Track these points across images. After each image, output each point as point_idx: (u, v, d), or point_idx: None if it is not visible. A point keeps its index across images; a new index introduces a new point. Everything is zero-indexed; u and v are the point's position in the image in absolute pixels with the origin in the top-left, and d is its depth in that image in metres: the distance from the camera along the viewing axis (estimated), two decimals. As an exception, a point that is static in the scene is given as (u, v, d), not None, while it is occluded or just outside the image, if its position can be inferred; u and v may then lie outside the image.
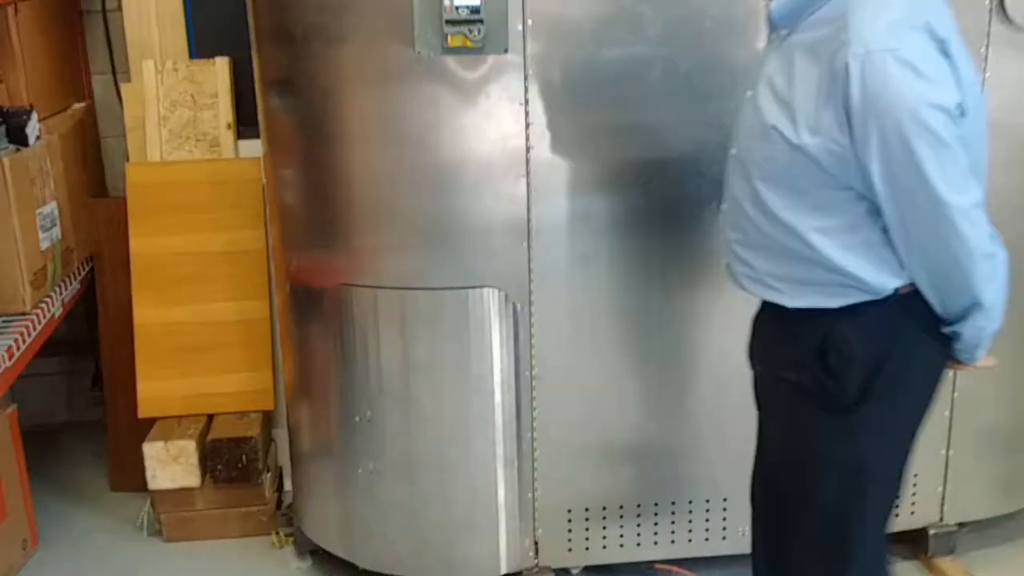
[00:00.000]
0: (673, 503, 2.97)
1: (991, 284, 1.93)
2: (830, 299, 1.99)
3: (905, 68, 1.78)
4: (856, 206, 1.92)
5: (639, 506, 2.96)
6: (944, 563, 3.10)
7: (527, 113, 2.62)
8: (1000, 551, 3.19)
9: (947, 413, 2.98)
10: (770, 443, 2.27)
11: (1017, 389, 3.06)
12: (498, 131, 2.63)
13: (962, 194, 1.84)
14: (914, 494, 3.05)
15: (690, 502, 2.97)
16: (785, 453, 2.22)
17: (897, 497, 2.21)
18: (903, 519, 3.07)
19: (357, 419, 2.87)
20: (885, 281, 1.96)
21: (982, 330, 1.98)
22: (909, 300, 1.98)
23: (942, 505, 3.09)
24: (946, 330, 2.00)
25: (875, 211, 1.91)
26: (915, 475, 3.02)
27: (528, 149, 2.65)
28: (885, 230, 1.93)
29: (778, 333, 2.14)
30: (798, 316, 2.04)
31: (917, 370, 2.05)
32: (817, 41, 1.88)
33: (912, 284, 1.97)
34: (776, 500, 2.26)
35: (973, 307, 1.94)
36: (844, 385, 2.01)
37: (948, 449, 3.02)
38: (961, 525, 3.13)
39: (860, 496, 2.10)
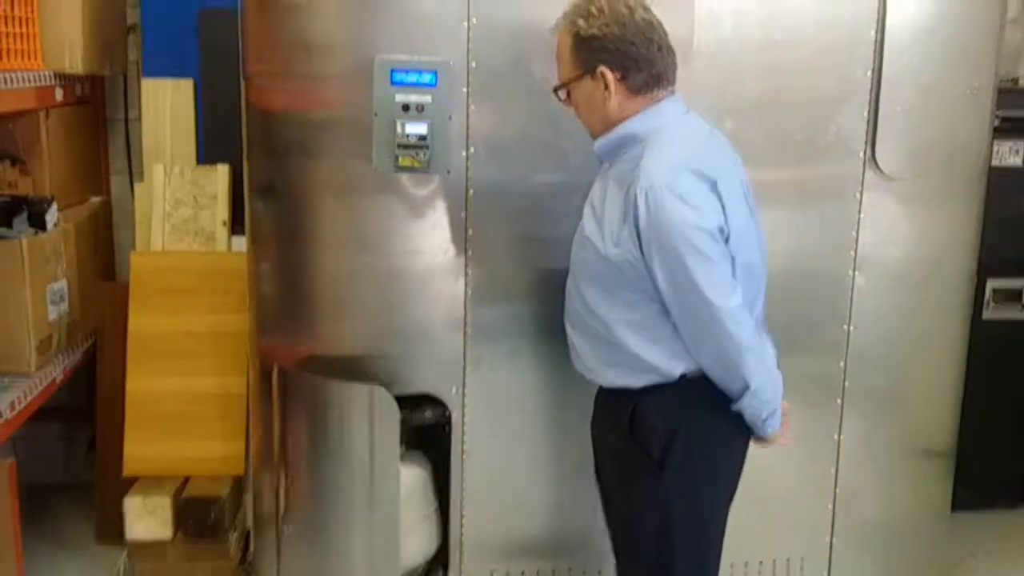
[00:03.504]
0: (584, 573, 3.29)
1: (758, 372, 2.37)
2: (634, 379, 2.45)
3: (676, 199, 2.25)
4: (651, 306, 2.38)
5: (554, 572, 3.28)
6: (829, 645, 3.41)
7: (467, 223, 3.03)
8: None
9: (830, 506, 3.34)
10: (604, 505, 2.70)
11: (894, 487, 3.42)
12: (443, 239, 3.04)
13: (727, 298, 2.29)
14: (801, 576, 3.41)
15: (599, 572, 3.28)
16: (612, 513, 2.65)
17: (715, 559, 2.59)
18: (793, 600, 3.42)
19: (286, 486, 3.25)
20: (673, 368, 2.41)
21: (757, 410, 2.41)
22: (696, 384, 2.42)
23: (827, 589, 3.42)
24: (733, 407, 2.43)
25: (666, 311, 2.36)
26: (802, 558, 3.37)
27: (467, 255, 3.05)
28: (674, 326, 2.38)
29: (603, 406, 2.60)
30: (614, 393, 2.50)
31: (708, 441, 2.47)
32: (623, 174, 2.37)
33: (699, 370, 2.41)
34: (616, 556, 2.67)
35: (745, 390, 2.38)
36: (649, 451, 2.45)
37: (832, 538, 3.36)
38: (847, 610, 3.44)
39: (672, 553, 2.48)
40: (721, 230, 2.32)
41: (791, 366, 3.02)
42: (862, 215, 3.17)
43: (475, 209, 3.04)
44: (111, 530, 3.88)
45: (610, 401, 2.57)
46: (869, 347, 3.25)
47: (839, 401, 3.27)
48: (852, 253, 3.18)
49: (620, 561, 2.67)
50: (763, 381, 2.40)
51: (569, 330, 2.62)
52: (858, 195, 3.16)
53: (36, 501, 4.06)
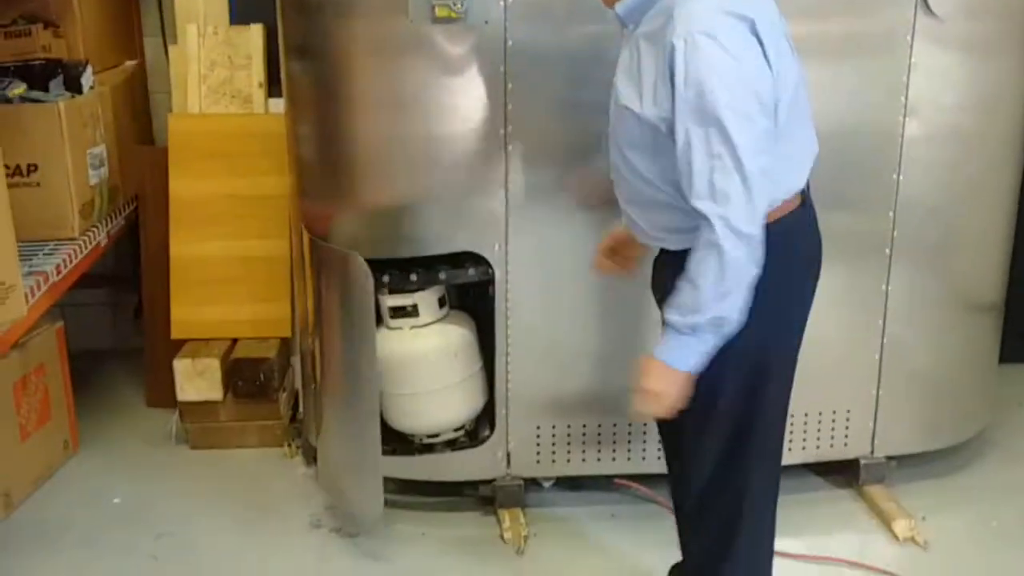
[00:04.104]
0: (630, 425, 3.31)
1: (741, 261, 2.19)
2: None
3: (715, 44, 2.15)
4: None
5: (599, 426, 3.32)
6: (873, 491, 3.44)
7: (506, 78, 2.98)
8: (924, 484, 3.52)
9: (877, 356, 3.33)
10: None
11: (941, 339, 3.40)
12: (481, 95, 3.00)
13: (754, 158, 2.15)
14: (847, 427, 3.40)
15: (644, 424, 3.28)
16: None
17: (785, 415, 2.57)
18: (837, 450, 3.42)
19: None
20: None
21: (702, 294, 2.22)
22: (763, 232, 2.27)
23: (872, 439, 3.42)
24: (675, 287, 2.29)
25: None
26: (848, 410, 3.38)
27: (507, 110, 3.01)
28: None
29: (667, 268, 2.51)
30: (680, 254, 2.41)
31: (778, 288, 2.33)
32: (653, 31, 2.26)
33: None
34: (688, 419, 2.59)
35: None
36: None
37: (878, 389, 3.36)
38: (890, 458, 3.46)
39: (754, 401, 2.44)
40: (764, 74, 2.23)
41: (840, 218, 3.00)
42: (913, 61, 3.07)
43: (514, 63, 2.98)
44: (161, 393, 3.95)
45: (675, 262, 2.46)
46: (918, 197, 3.19)
47: (887, 252, 3.23)
48: (903, 99, 3.09)
49: (697, 416, 2.63)
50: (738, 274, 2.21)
51: (623, 204, 2.53)
52: (909, 40, 3.06)
53: (86, 367, 4.13)
